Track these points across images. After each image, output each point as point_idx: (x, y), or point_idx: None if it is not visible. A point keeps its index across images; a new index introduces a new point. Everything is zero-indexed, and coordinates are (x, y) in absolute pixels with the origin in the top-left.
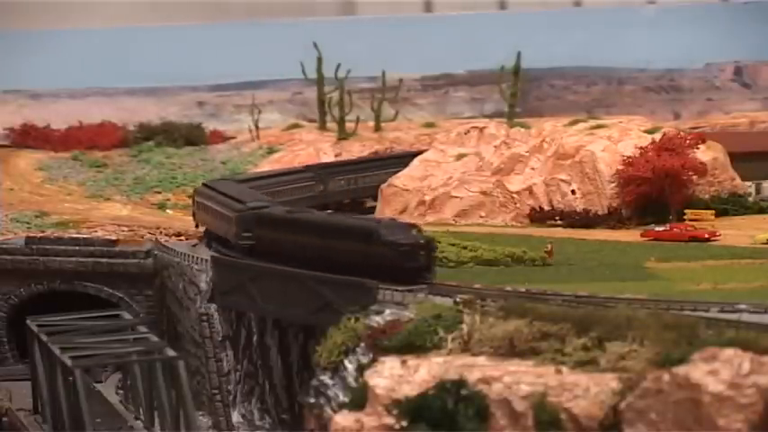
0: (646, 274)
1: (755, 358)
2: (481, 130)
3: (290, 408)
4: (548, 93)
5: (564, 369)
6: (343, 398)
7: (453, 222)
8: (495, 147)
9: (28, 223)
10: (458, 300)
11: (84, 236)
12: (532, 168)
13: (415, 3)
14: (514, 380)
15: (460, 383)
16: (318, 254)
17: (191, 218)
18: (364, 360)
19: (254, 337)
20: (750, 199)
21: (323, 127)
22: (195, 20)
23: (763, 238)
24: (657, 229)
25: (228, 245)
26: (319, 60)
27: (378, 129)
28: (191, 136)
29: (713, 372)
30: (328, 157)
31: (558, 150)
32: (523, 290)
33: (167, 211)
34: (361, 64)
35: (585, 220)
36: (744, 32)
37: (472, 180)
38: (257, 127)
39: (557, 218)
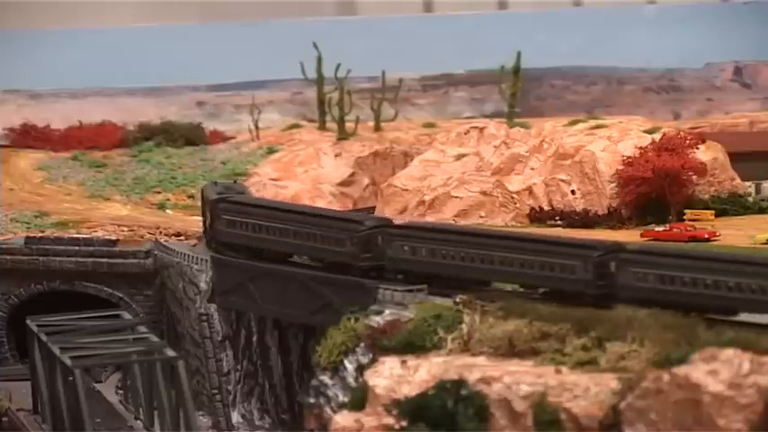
0: None
1: (755, 358)
2: (481, 130)
3: (290, 408)
4: (548, 93)
5: (564, 369)
6: (342, 398)
7: (453, 222)
8: (495, 147)
9: (28, 223)
10: (457, 300)
11: (84, 236)
12: (532, 168)
13: (415, 3)
14: (514, 380)
15: (460, 383)
16: None
17: (191, 218)
18: (364, 360)
19: (254, 337)
20: (750, 199)
21: (323, 127)
22: (195, 20)
23: (763, 238)
24: (657, 229)
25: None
26: (319, 60)
27: (378, 129)
28: (191, 136)
29: (713, 372)
30: (329, 158)
31: (557, 150)
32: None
33: (167, 211)
34: (361, 64)
35: (585, 220)
36: (744, 32)
37: (472, 180)
38: (257, 127)
39: (556, 218)
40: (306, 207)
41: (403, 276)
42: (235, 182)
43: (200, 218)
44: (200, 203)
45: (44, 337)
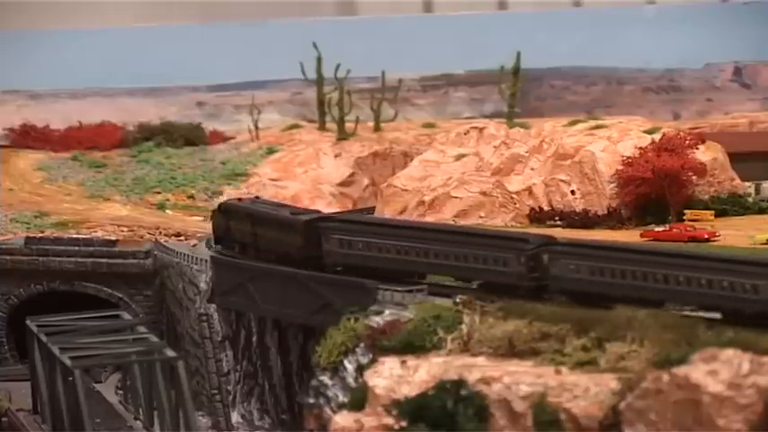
0: None
1: (755, 358)
2: (481, 130)
3: (289, 408)
4: (548, 93)
5: (563, 369)
6: (342, 398)
7: (453, 223)
8: (495, 147)
9: (27, 223)
10: (457, 300)
11: (84, 236)
12: (532, 169)
13: (415, 3)
14: (514, 380)
15: (460, 384)
16: None
17: (190, 218)
18: (364, 360)
19: (254, 338)
20: (750, 199)
21: (322, 127)
22: (195, 20)
23: (763, 238)
24: (657, 229)
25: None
26: (319, 60)
27: (377, 129)
28: (190, 136)
29: (713, 372)
30: (328, 158)
31: (557, 150)
32: None
33: (167, 211)
34: (361, 64)
35: (585, 220)
36: (744, 32)
37: (472, 180)
38: (257, 127)
39: (556, 218)
40: (443, 225)
41: (566, 297)
42: (257, 198)
43: (200, 218)
44: (199, 204)
45: (44, 338)
